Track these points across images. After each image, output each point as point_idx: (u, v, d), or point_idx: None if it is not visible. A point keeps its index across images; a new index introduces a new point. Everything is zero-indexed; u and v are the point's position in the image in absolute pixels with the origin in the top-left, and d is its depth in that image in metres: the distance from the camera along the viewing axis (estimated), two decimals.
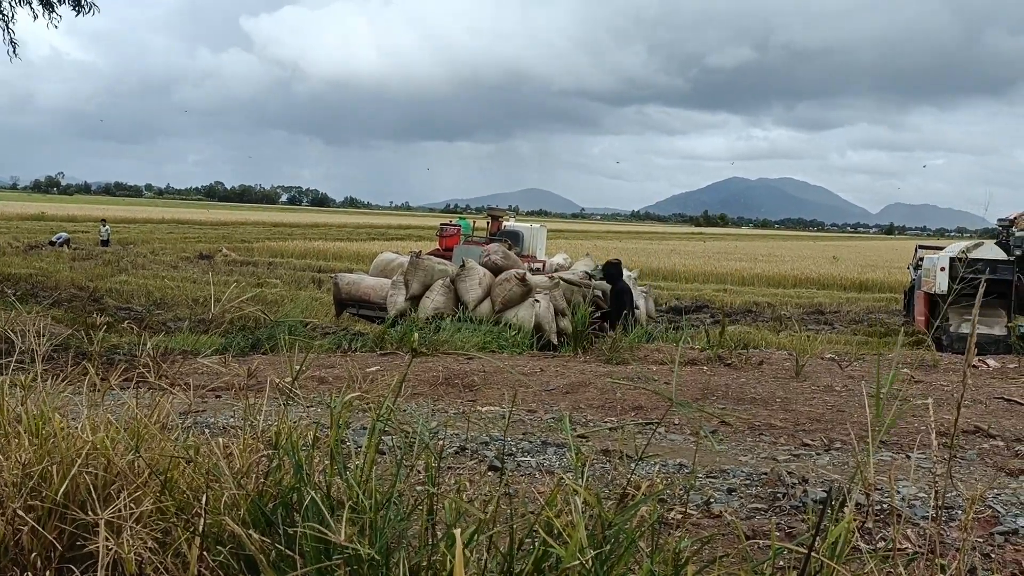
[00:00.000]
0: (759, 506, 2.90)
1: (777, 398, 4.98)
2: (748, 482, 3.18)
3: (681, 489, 2.83)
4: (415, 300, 10.01)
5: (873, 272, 28.52)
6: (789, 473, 3.26)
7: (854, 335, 14.85)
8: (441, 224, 13.99)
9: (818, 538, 1.64)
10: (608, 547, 1.62)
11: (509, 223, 14.20)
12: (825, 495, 2.96)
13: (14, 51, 12.88)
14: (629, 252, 36.03)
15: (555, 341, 9.72)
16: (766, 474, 3.26)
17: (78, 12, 12.38)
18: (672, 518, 2.61)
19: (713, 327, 12.03)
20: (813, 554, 1.58)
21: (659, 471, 3.22)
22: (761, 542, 2.48)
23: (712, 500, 2.89)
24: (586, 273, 11.40)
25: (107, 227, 32.16)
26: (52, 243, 28.66)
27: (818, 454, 3.80)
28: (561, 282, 10.68)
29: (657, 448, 3.73)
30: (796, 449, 3.89)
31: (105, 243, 30.28)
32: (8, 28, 12.45)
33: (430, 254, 11.47)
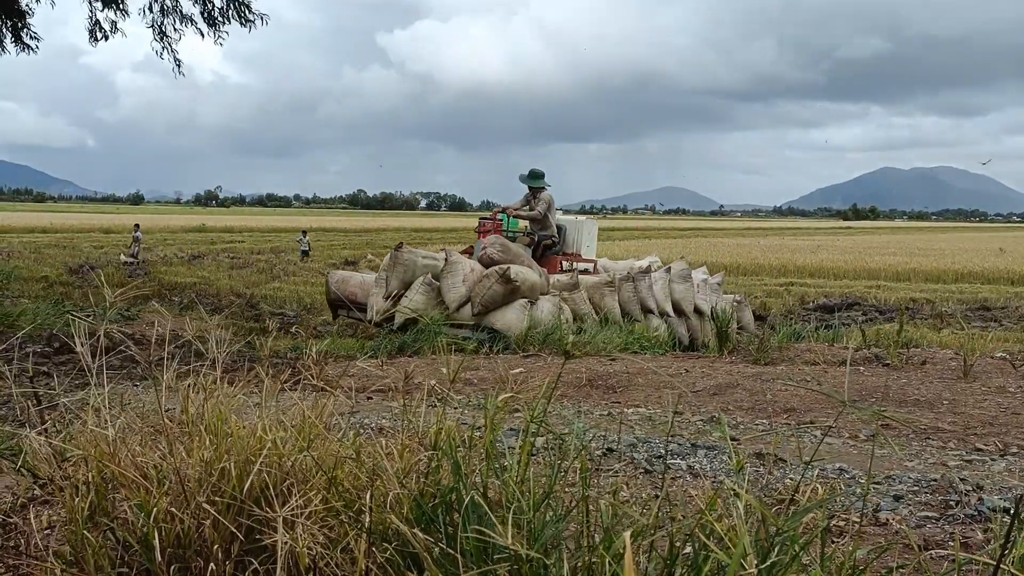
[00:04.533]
0: (930, 514, 2.74)
1: (944, 400, 4.69)
2: (916, 489, 3.01)
3: (847, 495, 2.71)
4: (396, 299, 8.85)
5: None
6: (962, 479, 3.07)
7: None
8: (481, 218, 11.67)
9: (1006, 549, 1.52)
10: (775, 554, 1.56)
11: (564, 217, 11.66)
12: (1004, 503, 2.77)
13: (179, 68, 13.81)
14: (772, 249, 34.93)
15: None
16: (936, 480, 3.07)
17: (247, 26, 13.11)
18: (834, 525, 2.50)
19: (867, 325, 11.44)
20: (1003, 566, 1.47)
21: (818, 476, 3.09)
22: (935, 552, 2.35)
23: (879, 507, 2.75)
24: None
25: (307, 237, 29.06)
26: (305, 253, 26.77)
27: (993, 460, 3.55)
28: (582, 282, 9.30)
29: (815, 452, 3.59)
30: (968, 454, 3.65)
31: (305, 254, 27.61)
32: (172, 49, 13.39)
33: (464, 252, 10.12)
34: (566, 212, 11.13)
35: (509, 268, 8.47)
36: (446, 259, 8.83)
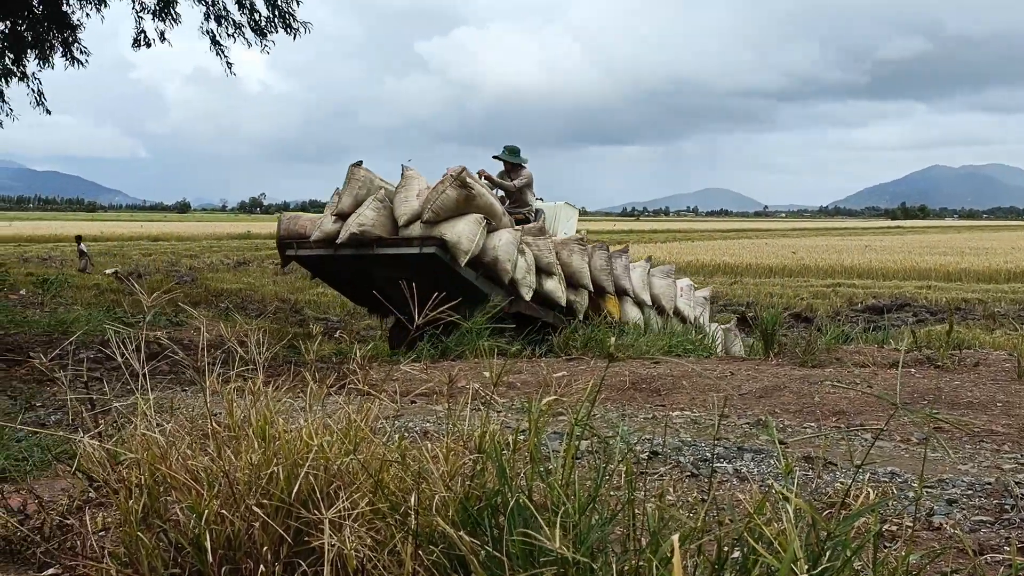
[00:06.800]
0: (984, 519, 2.68)
1: (997, 402, 4.58)
2: (970, 492, 2.94)
3: (900, 499, 2.66)
4: (344, 218, 8.21)
5: None
6: (1017, 483, 3.00)
7: None
8: None
9: None
10: (826, 559, 1.54)
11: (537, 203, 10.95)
12: None
13: (230, 68, 14.01)
14: (818, 250, 34.47)
15: (526, 297, 8.25)
16: (990, 484, 3.00)
17: (291, 34, 13.30)
18: (887, 530, 2.46)
19: (918, 326, 11.23)
20: None
21: (869, 479, 3.04)
22: (990, 557, 2.29)
23: (933, 512, 2.69)
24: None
25: None
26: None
27: None
28: (551, 237, 8.81)
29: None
30: (1023, 457, 3.56)
31: None
32: (223, 55, 13.58)
33: None
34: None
35: (464, 170, 7.93)
36: (402, 174, 8.31)
